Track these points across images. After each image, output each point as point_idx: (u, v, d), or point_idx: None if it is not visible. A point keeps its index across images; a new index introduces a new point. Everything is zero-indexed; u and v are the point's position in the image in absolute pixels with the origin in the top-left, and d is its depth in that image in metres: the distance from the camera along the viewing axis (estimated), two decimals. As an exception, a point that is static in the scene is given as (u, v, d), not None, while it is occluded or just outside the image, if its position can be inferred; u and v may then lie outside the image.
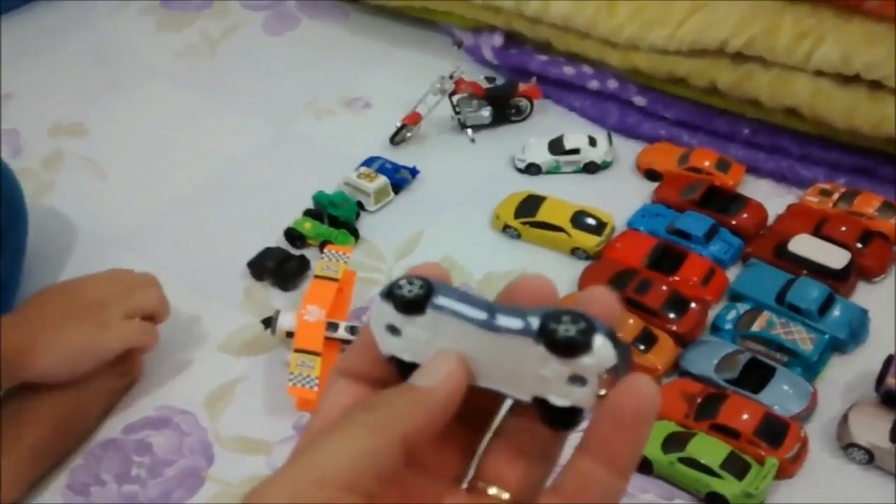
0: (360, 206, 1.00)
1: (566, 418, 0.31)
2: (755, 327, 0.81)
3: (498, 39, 1.14)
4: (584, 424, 0.32)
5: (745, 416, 0.74)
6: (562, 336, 0.28)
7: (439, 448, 0.36)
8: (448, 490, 0.35)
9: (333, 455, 0.29)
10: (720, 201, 0.95)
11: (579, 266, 0.91)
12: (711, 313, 0.86)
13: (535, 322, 0.29)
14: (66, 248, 1.01)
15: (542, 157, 1.03)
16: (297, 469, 0.30)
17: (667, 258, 0.89)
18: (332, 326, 0.84)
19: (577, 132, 1.05)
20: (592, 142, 1.03)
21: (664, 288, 0.85)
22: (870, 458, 0.73)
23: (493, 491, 0.34)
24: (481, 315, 0.30)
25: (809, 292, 0.83)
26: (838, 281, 0.85)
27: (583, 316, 0.29)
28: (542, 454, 0.35)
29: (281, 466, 0.30)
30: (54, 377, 0.76)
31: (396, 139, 1.09)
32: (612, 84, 1.08)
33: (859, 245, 0.88)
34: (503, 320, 0.30)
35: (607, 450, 0.32)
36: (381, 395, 0.32)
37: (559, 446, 0.35)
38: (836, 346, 0.82)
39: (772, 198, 0.97)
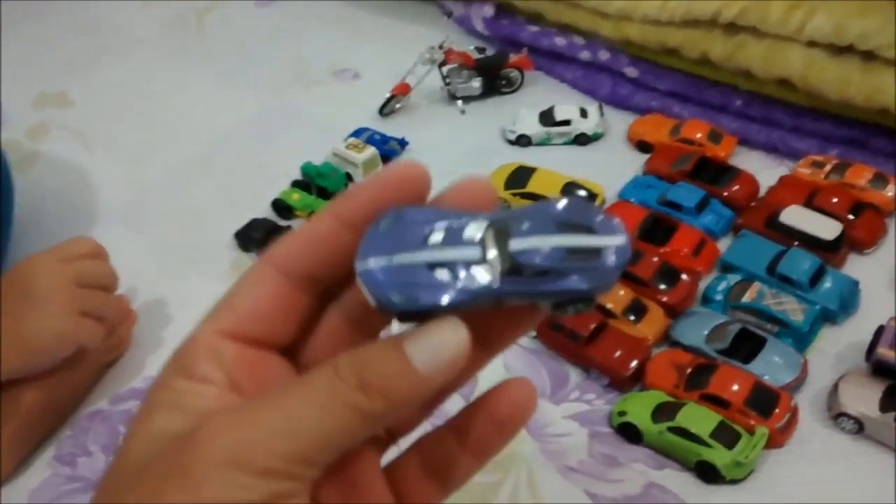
0: (349, 177, 0.99)
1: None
2: (746, 298, 0.81)
3: (489, 10, 1.13)
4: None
5: (735, 387, 0.74)
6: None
7: None
8: None
9: (309, 431, 0.28)
10: (711, 173, 0.94)
11: (570, 237, 0.90)
12: (702, 284, 0.85)
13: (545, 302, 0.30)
14: (52, 219, 1.00)
15: (533, 128, 1.02)
16: (264, 427, 0.28)
17: (658, 229, 0.89)
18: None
19: (567, 103, 1.04)
20: (583, 113, 1.02)
21: (655, 259, 0.85)
22: (859, 427, 0.73)
23: None
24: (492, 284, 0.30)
25: (800, 263, 0.83)
26: (829, 252, 0.85)
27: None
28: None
29: (244, 414, 0.28)
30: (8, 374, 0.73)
31: (385, 110, 1.07)
32: (604, 55, 1.07)
33: (851, 216, 0.88)
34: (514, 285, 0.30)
35: (480, 445, 0.34)
36: (375, 368, 0.29)
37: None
38: (827, 317, 0.81)
39: (763, 169, 0.96)
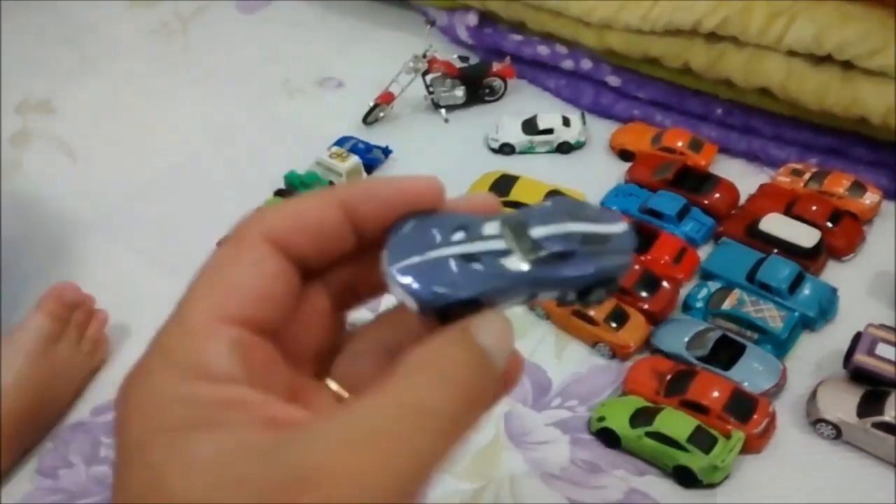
0: (332, 186, 0.99)
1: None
2: (726, 305, 0.82)
3: (472, 19, 1.14)
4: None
5: (714, 393, 0.74)
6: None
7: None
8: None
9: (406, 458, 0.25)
10: (692, 181, 0.95)
11: (552, 245, 0.91)
12: (683, 292, 0.86)
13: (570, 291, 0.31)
14: (34, 227, 1.00)
15: (516, 136, 1.03)
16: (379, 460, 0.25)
17: (639, 237, 0.89)
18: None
19: (550, 112, 1.05)
20: (566, 122, 1.03)
21: (636, 267, 0.85)
22: (837, 433, 0.73)
23: (334, 387, 0.32)
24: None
25: (780, 271, 0.84)
26: (808, 259, 0.86)
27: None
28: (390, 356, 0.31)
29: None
30: None
31: (369, 119, 1.08)
32: (586, 64, 1.08)
33: (829, 224, 0.89)
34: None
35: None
36: (458, 370, 0.27)
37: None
38: (806, 324, 0.82)
39: (744, 177, 0.97)
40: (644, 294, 0.84)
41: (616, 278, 0.31)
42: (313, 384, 0.31)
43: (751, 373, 0.77)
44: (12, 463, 0.76)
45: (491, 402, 0.28)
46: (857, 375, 0.75)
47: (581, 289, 0.30)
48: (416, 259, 0.29)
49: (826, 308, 0.83)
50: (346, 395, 0.31)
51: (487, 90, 1.10)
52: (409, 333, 0.30)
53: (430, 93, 1.08)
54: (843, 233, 0.89)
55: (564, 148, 1.03)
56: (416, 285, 0.29)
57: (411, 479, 0.25)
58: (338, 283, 0.32)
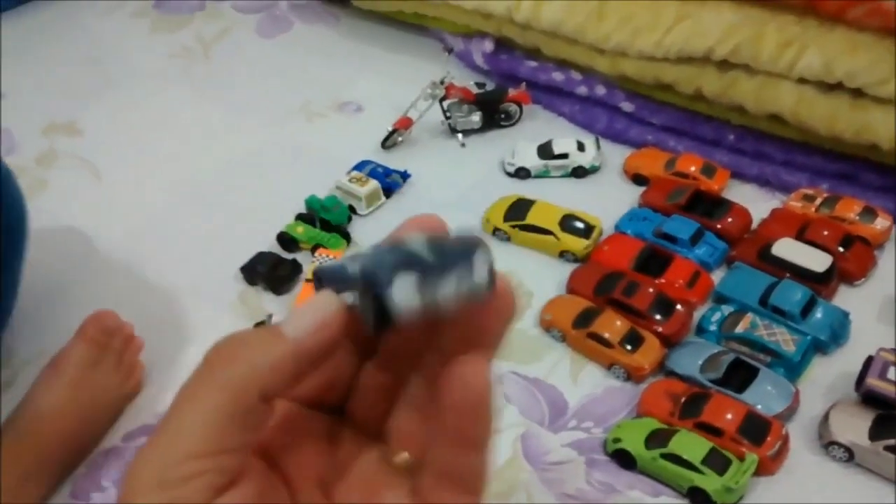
0: (352, 209, 1.01)
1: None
2: (739, 329, 0.83)
3: (488, 45, 1.16)
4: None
5: (728, 415, 0.76)
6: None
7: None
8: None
9: (193, 425, 0.29)
10: (706, 206, 0.97)
11: (567, 269, 0.93)
12: (697, 315, 0.87)
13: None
14: (59, 246, 1.02)
15: (532, 161, 1.05)
16: (162, 448, 0.29)
17: (653, 261, 0.91)
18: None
19: (565, 137, 1.06)
20: (581, 147, 1.05)
21: (651, 290, 0.87)
22: (850, 455, 0.75)
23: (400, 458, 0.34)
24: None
25: (792, 295, 0.85)
26: (820, 284, 0.87)
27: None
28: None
29: (149, 441, 0.29)
30: None
31: (388, 143, 1.10)
32: (601, 90, 1.10)
33: (841, 249, 0.90)
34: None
35: (458, 437, 0.31)
36: (243, 339, 0.30)
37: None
38: (818, 347, 0.84)
39: (756, 202, 0.99)
40: (658, 317, 0.85)
41: (366, 283, 0.29)
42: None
43: (764, 395, 0.79)
44: (54, 486, 0.78)
45: (280, 367, 0.30)
46: (869, 399, 0.77)
47: (354, 287, 0.30)
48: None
49: (838, 332, 0.84)
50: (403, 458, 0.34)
51: (503, 115, 1.12)
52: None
53: (448, 118, 1.10)
54: (855, 257, 0.90)
55: (579, 172, 1.05)
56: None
57: None
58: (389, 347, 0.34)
